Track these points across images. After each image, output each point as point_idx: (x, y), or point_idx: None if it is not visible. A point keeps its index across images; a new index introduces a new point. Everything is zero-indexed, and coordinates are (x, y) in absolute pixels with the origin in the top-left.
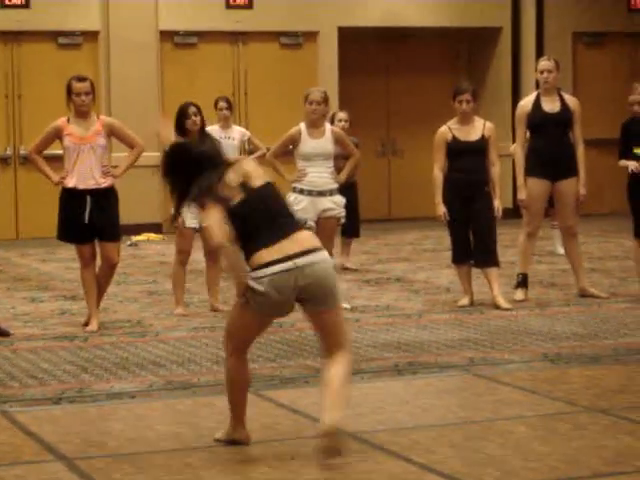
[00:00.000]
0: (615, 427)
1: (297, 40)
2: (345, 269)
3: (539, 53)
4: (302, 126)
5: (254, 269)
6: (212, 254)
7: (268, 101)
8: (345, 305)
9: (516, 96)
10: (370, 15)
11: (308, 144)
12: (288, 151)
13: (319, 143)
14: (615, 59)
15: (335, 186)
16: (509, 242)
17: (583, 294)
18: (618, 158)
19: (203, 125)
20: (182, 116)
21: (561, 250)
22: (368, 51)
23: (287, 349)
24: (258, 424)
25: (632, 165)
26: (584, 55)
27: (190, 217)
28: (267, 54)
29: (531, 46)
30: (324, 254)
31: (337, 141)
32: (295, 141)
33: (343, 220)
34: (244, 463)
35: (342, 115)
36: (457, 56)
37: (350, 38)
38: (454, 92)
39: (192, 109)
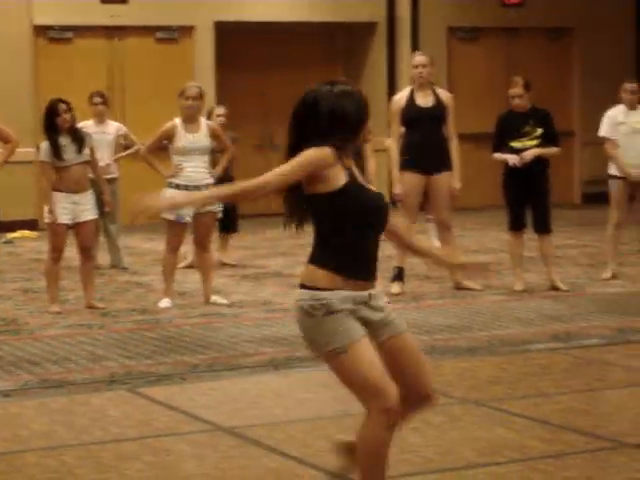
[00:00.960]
0: (489, 418)
1: (173, 35)
2: (223, 265)
3: (414, 48)
4: (177, 121)
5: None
6: (86, 251)
7: (144, 96)
8: (223, 301)
9: (392, 91)
10: (247, 10)
11: (184, 139)
12: (163, 146)
13: (195, 138)
14: (489, 54)
15: (211, 181)
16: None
17: (458, 287)
18: (492, 151)
19: (74, 122)
20: (52, 114)
21: (436, 243)
22: (245, 46)
23: (163, 345)
24: (134, 421)
25: (512, 159)
26: (459, 50)
27: (63, 213)
28: (143, 49)
29: (406, 41)
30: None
31: (213, 136)
32: (170, 136)
33: (220, 215)
34: (119, 460)
35: (220, 110)
36: (334, 51)
37: (227, 33)
38: None
39: (62, 106)
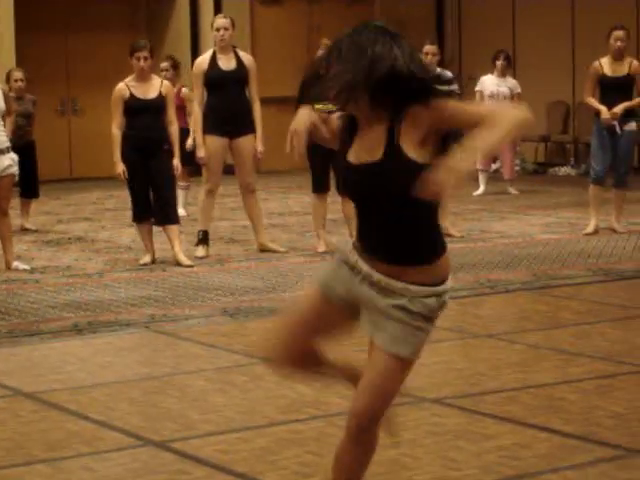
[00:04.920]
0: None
1: None
2: (25, 230)
3: (217, 10)
4: None
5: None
6: None
7: None
8: (24, 266)
9: (195, 54)
10: None
11: None
12: None
13: None
14: (292, 17)
15: (9, 144)
16: (190, 199)
17: (263, 249)
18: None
19: None
20: None
21: (182, 212)
22: (46, 7)
23: None
24: None
25: None
26: (262, 13)
27: None
28: None
29: (209, 3)
30: None
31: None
32: None
33: (17, 178)
34: None
35: (17, 74)
36: (137, 13)
37: None
38: (131, 49)
39: None
